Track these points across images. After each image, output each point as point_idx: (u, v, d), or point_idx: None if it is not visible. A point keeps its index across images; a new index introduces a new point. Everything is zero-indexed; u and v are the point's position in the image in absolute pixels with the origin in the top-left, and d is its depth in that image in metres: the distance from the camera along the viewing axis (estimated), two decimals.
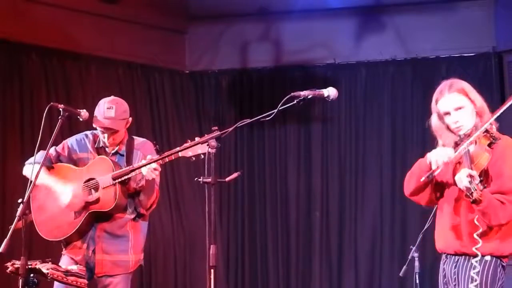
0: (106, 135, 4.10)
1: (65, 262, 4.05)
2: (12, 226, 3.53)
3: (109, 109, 4.07)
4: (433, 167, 3.15)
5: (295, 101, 3.14)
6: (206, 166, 3.09)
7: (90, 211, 3.99)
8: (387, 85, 7.01)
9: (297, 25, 7.17)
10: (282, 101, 3.11)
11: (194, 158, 3.46)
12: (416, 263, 4.93)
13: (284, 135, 7.30)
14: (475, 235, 3.16)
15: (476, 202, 3.01)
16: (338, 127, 7.11)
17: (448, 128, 3.31)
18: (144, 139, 4.30)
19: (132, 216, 4.11)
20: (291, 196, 7.20)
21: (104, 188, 3.97)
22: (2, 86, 6.11)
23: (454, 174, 3.19)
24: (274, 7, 7.27)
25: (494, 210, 3.07)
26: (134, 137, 4.25)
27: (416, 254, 4.88)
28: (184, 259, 7.04)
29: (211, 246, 3.02)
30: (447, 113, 3.29)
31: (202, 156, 3.37)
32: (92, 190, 4.02)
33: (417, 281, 4.97)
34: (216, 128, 3.17)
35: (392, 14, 7.06)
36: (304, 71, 7.26)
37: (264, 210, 7.26)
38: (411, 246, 4.93)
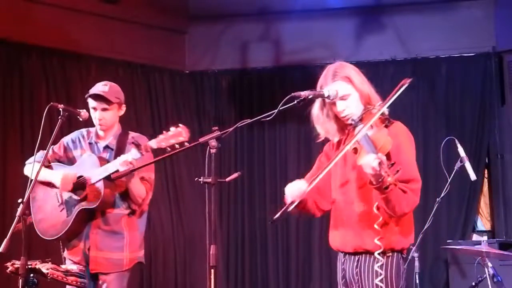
0: (97, 113, 4.10)
1: (68, 264, 4.05)
2: (12, 226, 3.53)
3: (104, 85, 4.16)
4: (288, 201, 3.10)
5: (295, 101, 3.12)
6: (206, 166, 3.09)
7: (80, 208, 3.99)
8: (387, 85, 6.98)
9: (297, 25, 7.17)
10: (283, 101, 3.11)
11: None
12: (416, 263, 4.91)
13: (284, 135, 7.30)
14: (375, 226, 3.01)
15: (386, 188, 2.82)
16: None
17: (333, 116, 3.20)
18: (139, 134, 4.27)
19: (127, 212, 4.08)
20: None
21: (91, 184, 3.97)
22: (2, 86, 6.11)
23: (345, 165, 3.11)
24: (274, 7, 7.27)
25: (398, 198, 2.90)
26: (130, 132, 4.22)
27: (416, 254, 4.86)
28: (184, 259, 7.04)
29: (211, 246, 3.01)
30: (333, 103, 3.16)
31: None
32: (80, 186, 4.03)
33: (417, 281, 4.96)
34: (216, 128, 3.16)
35: (392, 14, 7.07)
36: (304, 71, 7.25)
37: (264, 210, 7.25)
38: (411, 246, 4.93)
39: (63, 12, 6.45)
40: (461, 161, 4.76)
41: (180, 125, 3.76)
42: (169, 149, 3.74)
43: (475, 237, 6.76)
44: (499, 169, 6.83)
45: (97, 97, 4.11)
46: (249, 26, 7.39)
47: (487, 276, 4.53)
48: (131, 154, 3.83)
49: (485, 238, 5.01)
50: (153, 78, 7.18)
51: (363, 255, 3.08)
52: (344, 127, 3.21)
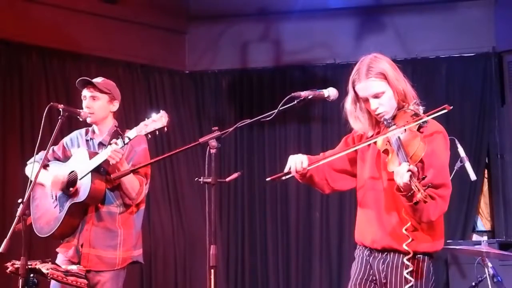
0: (86, 101, 4.12)
1: (59, 260, 4.06)
2: (12, 227, 3.53)
3: (98, 78, 4.20)
4: (285, 170, 3.05)
5: (295, 102, 3.12)
6: (206, 166, 3.08)
7: (71, 203, 3.98)
8: None
9: (297, 25, 7.17)
10: (283, 102, 3.11)
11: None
12: None
13: (284, 135, 7.30)
14: (403, 230, 2.92)
15: (417, 203, 2.71)
16: (338, 127, 7.10)
17: (365, 111, 3.11)
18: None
19: (120, 209, 4.06)
20: (291, 196, 7.19)
21: (80, 178, 3.96)
22: (2, 86, 6.11)
23: (377, 163, 3.05)
24: (274, 7, 7.27)
25: (426, 207, 2.78)
26: (127, 130, 4.14)
27: None
28: (184, 259, 7.03)
29: (211, 246, 3.01)
30: (366, 100, 3.07)
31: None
32: (72, 182, 4.03)
33: None
34: (216, 128, 3.16)
35: (392, 14, 7.06)
36: (304, 71, 7.26)
37: (264, 210, 7.25)
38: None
39: (63, 12, 6.45)
40: (461, 161, 4.75)
41: (161, 111, 3.78)
42: (149, 135, 3.78)
43: (475, 237, 6.76)
44: (499, 169, 6.82)
45: (86, 83, 4.13)
46: (249, 26, 7.39)
47: (487, 276, 4.53)
48: (115, 144, 3.83)
49: (485, 238, 5.02)
50: (153, 78, 7.17)
51: (392, 253, 3.00)
52: (378, 122, 3.11)
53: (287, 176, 3.08)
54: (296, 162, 3.05)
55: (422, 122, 2.93)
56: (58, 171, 4.07)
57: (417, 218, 2.87)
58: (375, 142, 3.05)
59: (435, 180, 2.83)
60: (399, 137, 2.88)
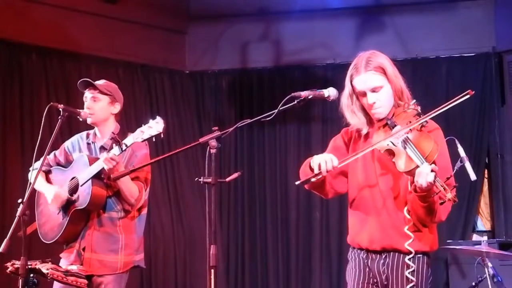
0: (87, 102, 4.12)
1: (62, 264, 4.05)
2: (12, 227, 3.53)
3: (100, 80, 4.21)
4: (315, 171, 2.92)
5: (295, 102, 3.11)
6: (206, 166, 3.08)
7: (72, 210, 3.98)
8: None
9: (297, 25, 7.17)
10: (283, 102, 3.10)
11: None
12: None
13: (284, 135, 7.30)
14: (406, 230, 2.90)
15: (443, 202, 2.69)
16: (338, 127, 7.08)
17: (360, 108, 3.05)
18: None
19: (121, 214, 4.06)
20: (291, 196, 7.19)
21: (81, 185, 3.97)
22: (2, 86, 6.11)
23: (372, 163, 3.01)
24: (274, 7, 7.28)
25: (439, 208, 2.78)
26: (129, 133, 4.11)
27: None
28: (184, 259, 7.03)
29: (211, 246, 3.01)
30: (363, 94, 3.00)
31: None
32: (74, 188, 4.04)
33: None
34: (216, 128, 3.16)
35: (392, 14, 7.07)
36: (304, 71, 7.26)
37: (264, 210, 7.25)
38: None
39: (63, 12, 6.45)
40: (461, 161, 4.72)
41: (157, 117, 3.78)
42: (147, 142, 3.80)
43: (475, 237, 6.76)
44: (499, 169, 6.82)
45: (86, 84, 4.13)
46: (249, 26, 7.38)
47: (487, 276, 4.52)
48: (112, 151, 3.83)
49: (485, 238, 5.02)
50: (153, 78, 7.17)
51: (392, 253, 2.97)
52: (371, 121, 3.06)
53: (318, 177, 2.97)
54: (326, 161, 2.92)
55: (424, 122, 2.89)
56: (61, 191, 4.06)
57: (428, 218, 2.85)
58: (371, 137, 3.03)
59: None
60: (408, 137, 2.83)
